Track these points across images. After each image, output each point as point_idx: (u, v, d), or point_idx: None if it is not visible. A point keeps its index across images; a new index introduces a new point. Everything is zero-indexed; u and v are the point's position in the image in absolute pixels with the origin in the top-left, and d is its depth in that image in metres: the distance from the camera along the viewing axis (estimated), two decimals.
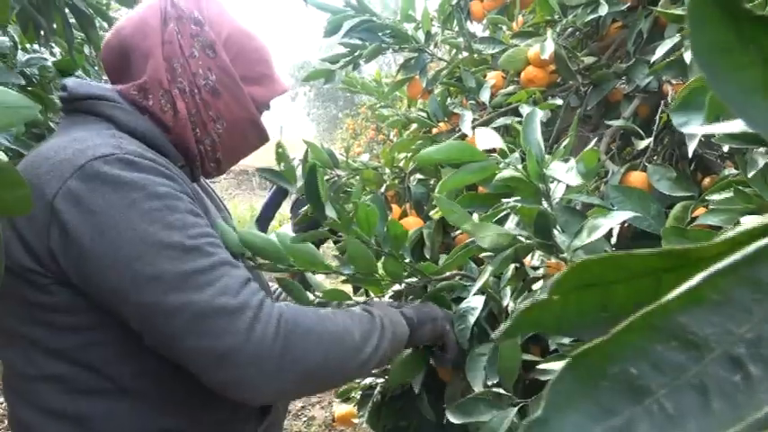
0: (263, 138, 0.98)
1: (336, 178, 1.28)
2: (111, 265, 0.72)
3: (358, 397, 1.32)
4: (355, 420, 1.39)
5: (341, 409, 1.45)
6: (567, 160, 0.71)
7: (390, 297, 1.18)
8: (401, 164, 1.45)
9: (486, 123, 1.30)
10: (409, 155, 1.50)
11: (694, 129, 0.29)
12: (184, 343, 0.73)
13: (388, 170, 1.36)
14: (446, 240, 1.33)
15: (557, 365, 0.57)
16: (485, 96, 1.33)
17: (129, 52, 0.88)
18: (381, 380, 1.29)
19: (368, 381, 1.31)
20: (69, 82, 0.88)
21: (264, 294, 0.79)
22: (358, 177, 1.28)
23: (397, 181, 1.38)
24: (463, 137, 1.29)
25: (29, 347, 0.80)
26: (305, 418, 3.40)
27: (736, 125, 0.20)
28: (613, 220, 0.65)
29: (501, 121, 1.25)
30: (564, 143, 0.77)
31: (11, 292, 0.78)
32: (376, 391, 1.29)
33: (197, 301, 0.72)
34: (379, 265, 0.95)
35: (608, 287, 0.19)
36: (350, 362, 0.83)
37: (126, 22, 0.90)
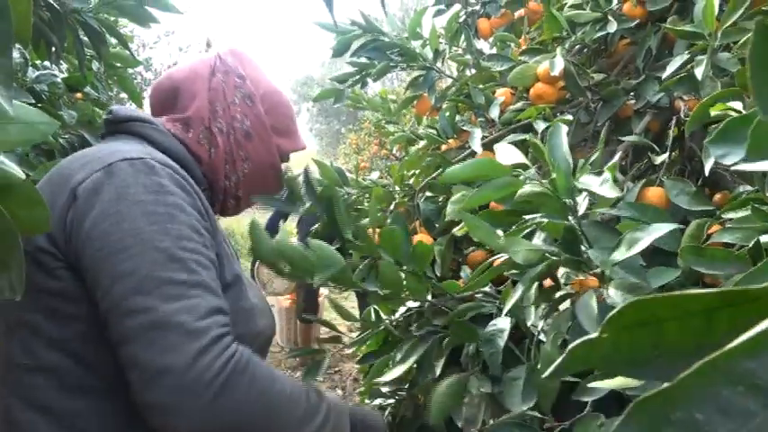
0: (279, 185, 1.09)
1: (346, 196, 1.28)
2: (99, 249, 0.76)
3: None
4: None
5: None
6: (600, 173, 0.71)
7: (403, 316, 1.18)
8: (410, 181, 1.45)
9: (496, 140, 1.30)
10: (418, 172, 1.50)
11: (742, 166, 0.29)
12: (130, 347, 0.73)
13: (397, 187, 1.36)
14: (456, 257, 1.33)
15: (604, 384, 0.55)
16: (494, 113, 1.33)
17: (178, 93, 1.00)
18: (392, 400, 1.28)
19: (378, 401, 1.29)
20: (115, 107, 0.99)
21: (229, 331, 0.78)
22: (368, 195, 1.28)
23: (406, 198, 1.38)
24: (473, 154, 1.29)
25: (30, 336, 0.81)
26: None
27: None
28: (653, 235, 0.65)
29: (511, 138, 1.24)
30: (592, 157, 0.76)
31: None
32: (386, 413, 1.28)
33: (159, 310, 0.72)
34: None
35: (660, 325, 0.19)
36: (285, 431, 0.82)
37: (179, 70, 1.03)
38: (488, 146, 1.29)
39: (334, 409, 0.91)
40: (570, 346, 0.20)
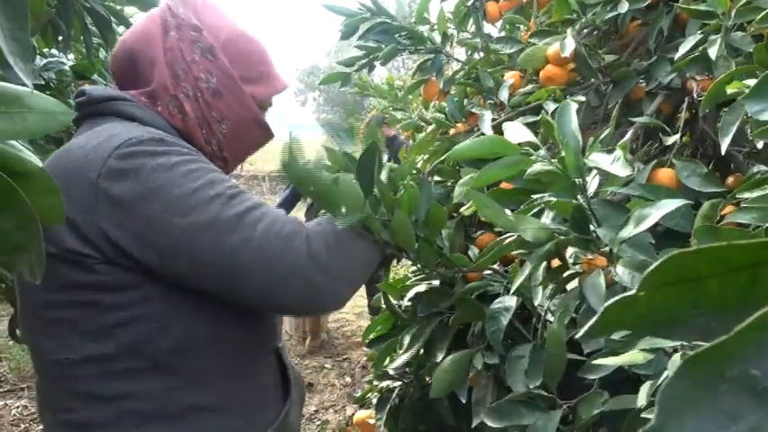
0: (267, 135, 1.02)
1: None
2: (169, 221, 0.77)
3: (375, 400, 1.31)
4: (371, 422, 1.37)
5: (361, 414, 1.43)
6: (611, 151, 0.70)
7: (411, 300, 1.17)
8: (419, 165, 1.44)
9: (501, 114, 1.30)
10: (426, 157, 1.49)
11: None
12: (252, 277, 0.78)
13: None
14: (465, 243, 1.32)
15: (610, 361, 0.54)
16: (503, 96, 1.32)
17: (136, 61, 0.93)
18: (399, 383, 1.28)
19: (385, 384, 1.29)
20: (87, 88, 0.93)
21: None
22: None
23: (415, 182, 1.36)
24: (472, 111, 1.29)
25: (66, 332, 0.82)
26: (318, 422, 3.39)
27: None
28: (661, 210, 0.64)
29: (521, 120, 1.23)
30: (602, 135, 0.75)
31: (52, 278, 0.79)
32: (394, 395, 1.28)
33: (254, 236, 0.79)
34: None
35: (699, 282, 0.18)
36: (371, 250, 0.91)
37: (129, 34, 0.95)
38: (497, 128, 1.27)
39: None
40: (605, 305, 0.19)
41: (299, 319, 4.74)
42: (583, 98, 1.22)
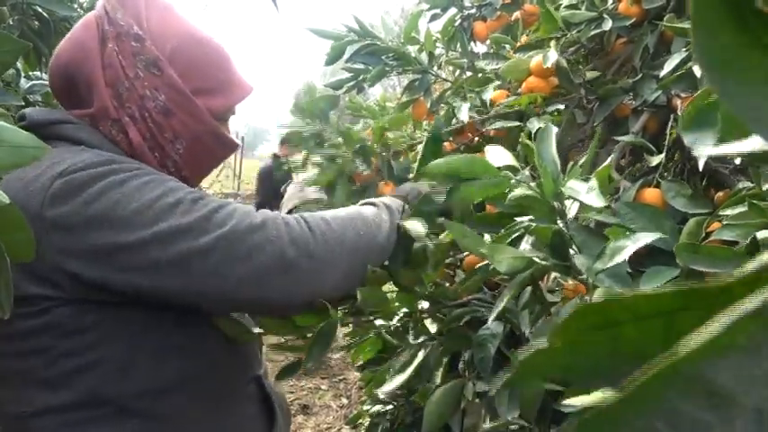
0: (228, 147, 0.93)
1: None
2: (131, 237, 0.72)
3: (367, 424, 1.29)
4: None
5: None
6: (587, 179, 0.69)
7: (400, 321, 1.16)
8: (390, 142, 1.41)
9: (484, 123, 1.30)
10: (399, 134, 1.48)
11: (707, 150, 0.27)
12: (234, 272, 0.74)
13: (376, 146, 1.33)
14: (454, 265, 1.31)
15: (578, 401, 0.53)
16: (486, 96, 1.33)
17: (73, 80, 0.83)
18: (390, 406, 1.26)
19: (377, 408, 1.28)
20: (28, 111, 0.85)
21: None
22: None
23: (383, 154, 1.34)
24: (460, 129, 1.29)
25: (22, 384, 0.78)
26: None
27: (753, 143, 0.18)
28: (636, 243, 0.63)
29: (501, 124, 1.24)
30: (581, 161, 0.75)
31: (5, 328, 0.75)
32: (385, 419, 1.26)
33: (226, 232, 0.74)
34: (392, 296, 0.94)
35: (616, 328, 0.17)
36: (377, 233, 0.87)
37: (63, 47, 0.85)
38: (479, 125, 1.29)
39: (387, 202, 0.95)
40: (522, 357, 0.18)
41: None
42: (561, 106, 1.23)
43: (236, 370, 0.91)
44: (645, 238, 0.63)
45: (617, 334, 0.17)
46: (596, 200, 0.66)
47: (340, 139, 1.28)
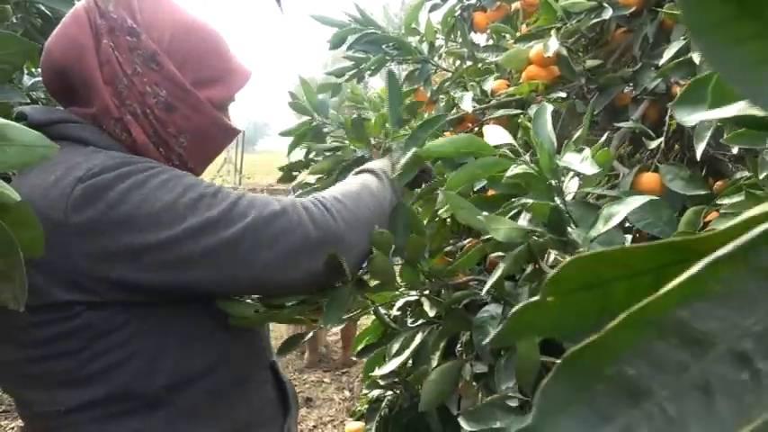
0: (230, 134, 0.92)
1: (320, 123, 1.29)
2: (161, 236, 0.73)
3: (365, 410, 1.30)
4: None
5: (352, 426, 1.43)
6: (580, 150, 0.70)
7: (399, 309, 1.17)
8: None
9: (485, 111, 1.30)
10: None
11: (695, 116, 0.28)
12: (261, 258, 0.76)
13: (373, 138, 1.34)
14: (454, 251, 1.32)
15: None
16: (487, 86, 1.33)
17: (69, 78, 0.80)
18: (390, 393, 1.27)
19: (376, 393, 1.29)
20: (28, 109, 0.82)
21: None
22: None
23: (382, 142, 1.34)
24: (460, 119, 1.31)
25: (53, 385, 0.78)
26: None
27: (737, 107, 0.19)
28: (628, 207, 0.64)
29: (503, 112, 1.24)
30: (575, 136, 0.75)
31: (32, 333, 0.75)
32: (383, 404, 1.27)
33: (250, 221, 0.76)
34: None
35: (607, 286, 0.18)
36: (383, 203, 0.91)
37: (54, 43, 0.81)
38: (480, 114, 1.30)
39: (384, 168, 1.00)
40: (513, 310, 0.19)
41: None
42: (563, 94, 1.23)
43: (255, 356, 0.93)
44: (635, 202, 0.64)
45: (607, 291, 0.18)
46: (590, 167, 0.66)
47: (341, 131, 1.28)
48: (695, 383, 0.13)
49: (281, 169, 1.40)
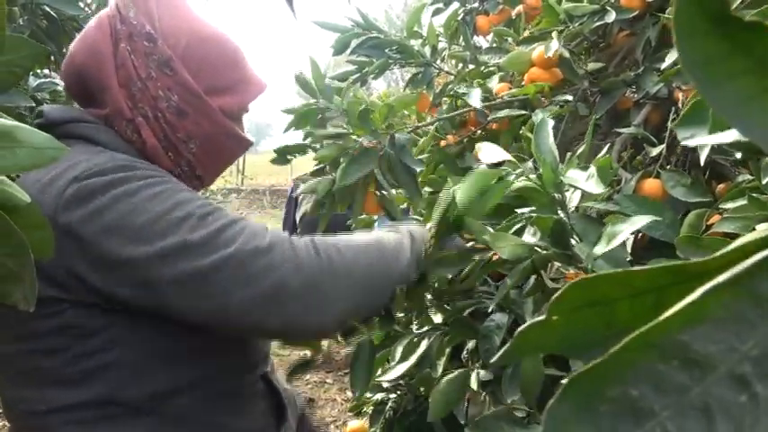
0: (242, 145, 0.93)
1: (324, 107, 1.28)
2: (136, 251, 0.71)
3: (370, 412, 1.31)
4: None
5: (353, 424, 1.43)
6: (585, 168, 0.70)
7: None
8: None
9: (491, 108, 1.31)
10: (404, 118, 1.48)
11: (696, 140, 0.29)
12: (234, 296, 0.72)
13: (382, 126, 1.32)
14: None
15: None
16: (491, 85, 1.34)
17: (87, 81, 0.84)
18: (394, 395, 1.27)
19: (380, 396, 1.29)
20: (45, 108, 0.85)
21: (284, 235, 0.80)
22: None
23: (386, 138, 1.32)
24: (463, 122, 1.31)
25: (39, 383, 0.78)
26: None
27: (732, 134, 0.19)
28: (633, 226, 0.64)
29: (506, 112, 1.24)
30: (579, 150, 0.76)
31: (20, 327, 0.77)
32: (388, 407, 1.28)
33: (231, 254, 0.72)
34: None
35: (611, 305, 0.19)
36: (393, 263, 0.83)
37: (77, 48, 0.85)
38: (482, 117, 1.33)
39: (403, 227, 0.92)
40: (520, 329, 0.19)
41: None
42: (569, 97, 1.23)
43: (245, 369, 0.91)
44: (640, 221, 0.64)
45: (612, 309, 0.18)
46: (596, 186, 0.67)
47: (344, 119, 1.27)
48: (696, 405, 0.14)
49: (275, 151, 1.36)
